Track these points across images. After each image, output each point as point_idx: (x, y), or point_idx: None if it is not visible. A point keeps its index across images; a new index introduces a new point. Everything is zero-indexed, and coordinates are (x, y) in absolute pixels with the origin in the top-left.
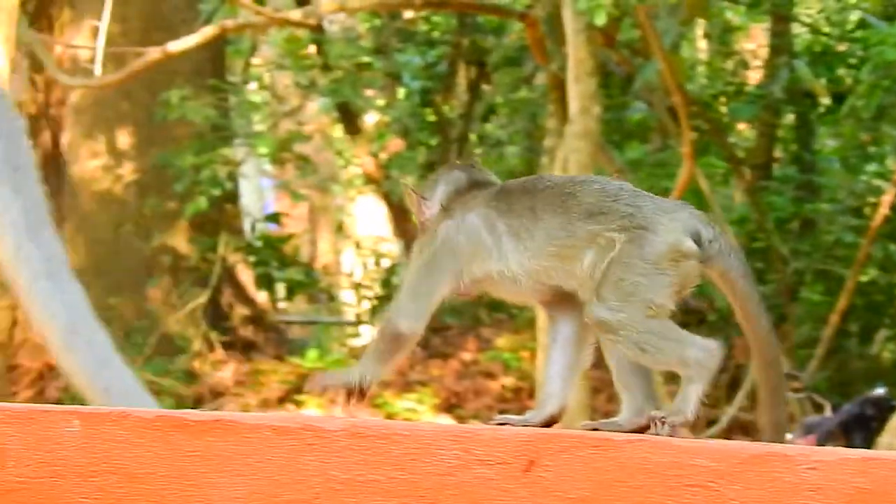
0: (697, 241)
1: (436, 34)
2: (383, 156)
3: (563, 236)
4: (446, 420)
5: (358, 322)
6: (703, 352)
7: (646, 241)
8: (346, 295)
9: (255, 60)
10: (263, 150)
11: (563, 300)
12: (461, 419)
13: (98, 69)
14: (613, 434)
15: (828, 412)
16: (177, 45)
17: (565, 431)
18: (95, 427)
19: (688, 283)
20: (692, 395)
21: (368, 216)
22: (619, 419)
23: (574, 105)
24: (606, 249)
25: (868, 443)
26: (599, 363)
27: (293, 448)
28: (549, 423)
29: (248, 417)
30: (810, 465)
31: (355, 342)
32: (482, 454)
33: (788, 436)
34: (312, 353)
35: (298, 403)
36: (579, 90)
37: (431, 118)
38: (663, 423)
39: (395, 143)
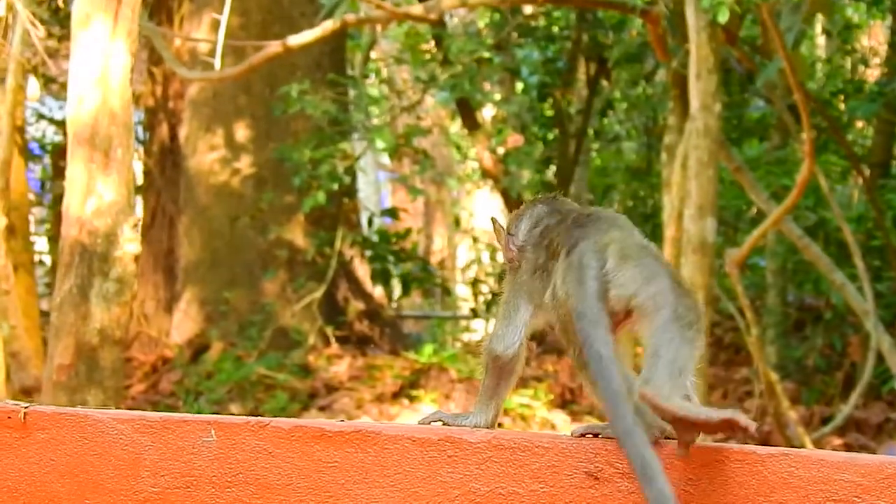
0: None
1: (555, 29)
2: (501, 150)
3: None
4: (560, 416)
5: (473, 316)
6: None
7: None
8: (461, 290)
9: (373, 55)
10: (381, 144)
11: None
12: (575, 415)
13: (217, 62)
14: (757, 448)
15: None
16: (297, 39)
17: (709, 444)
18: (232, 437)
19: None
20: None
21: (484, 211)
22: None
23: (695, 102)
24: None
25: None
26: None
27: (433, 460)
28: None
29: (388, 428)
30: None
31: (470, 337)
32: (623, 467)
33: None
34: (428, 349)
35: (413, 398)
36: (701, 87)
37: (549, 113)
38: None
39: (514, 138)
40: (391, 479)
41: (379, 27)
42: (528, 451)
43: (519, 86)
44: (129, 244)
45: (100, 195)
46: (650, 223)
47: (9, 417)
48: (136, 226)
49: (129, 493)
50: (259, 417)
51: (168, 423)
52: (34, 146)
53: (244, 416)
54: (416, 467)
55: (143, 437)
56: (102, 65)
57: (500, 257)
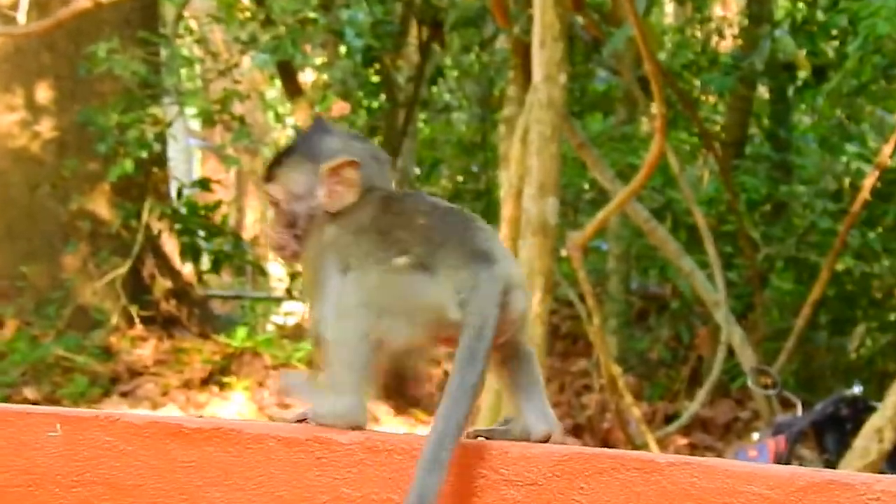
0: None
1: None
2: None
3: None
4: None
5: (288, 298)
6: None
7: None
8: (275, 269)
9: (187, 13)
10: (194, 109)
11: None
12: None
13: (22, 16)
14: (656, 456)
15: (798, 411)
16: None
17: (604, 451)
18: (79, 432)
19: None
20: None
21: None
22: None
23: (538, 72)
24: None
25: (842, 445)
26: None
27: (300, 461)
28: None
29: (250, 426)
30: (874, 495)
31: (285, 320)
32: (510, 474)
33: (756, 435)
34: (241, 332)
35: (223, 386)
36: (545, 56)
37: (375, 80)
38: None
39: (339, 106)
40: (253, 481)
41: None
42: (406, 454)
43: (343, 49)
44: None
45: None
46: (483, 200)
47: None
48: None
49: None
50: (109, 411)
51: (8, 415)
52: None
53: (93, 410)
54: (281, 469)
55: None
56: None
57: None
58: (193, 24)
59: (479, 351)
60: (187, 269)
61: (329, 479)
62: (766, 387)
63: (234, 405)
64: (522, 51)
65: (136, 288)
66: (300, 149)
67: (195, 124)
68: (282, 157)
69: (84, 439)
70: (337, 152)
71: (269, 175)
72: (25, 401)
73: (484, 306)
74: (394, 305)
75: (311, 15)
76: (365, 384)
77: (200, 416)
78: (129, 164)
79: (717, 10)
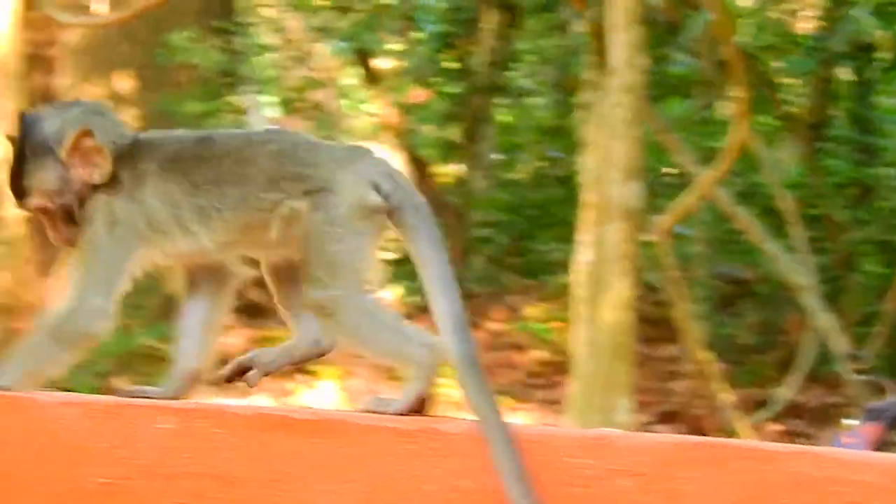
0: (379, 192)
1: None
2: (402, 105)
3: (248, 209)
4: None
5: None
6: (424, 348)
7: (329, 204)
8: None
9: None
10: (273, 97)
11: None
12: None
13: (99, 7)
14: (766, 444)
15: (891, 396)
16: None
17: (714, 440)
18: (187, 424)
19: (380, 234)
20: (408, 392)
21: None
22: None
23: (616, 56)
24: (293, 219)
25: None
26: None
27: (409, 452)
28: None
29: (359, 417)
30: None
31: None
32: (620, 464)
33: (847, 421)
34: None
35: (311, 374)
36: (623, 40)
37: (451, 65)
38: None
39: (416, 93)
40: (361, 471)
41: None
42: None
43: (419, 35)
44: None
45: None
46: (566, 186)
47: None
48: None
49: (75, 483)
50: (217, 402)
51: (118, 407)
52: None
53: (200, 402)
54: (389, 459)
55: (91, 423)
56: None
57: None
58: (270, 12)
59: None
60: None
61: (439, 469)
62: (858, 372)
63: (322, 393)
64: (600, 35)
65: None
66: (28, 151)
67: (273, 112)
68: (16, 172)
69: (194, 430)
70: (62, 131)
71: (19, 193)
72: (115, 391)
73: None
74: None
75: (387, 1)
76: None
77: (308, 408)
78: None
79: None
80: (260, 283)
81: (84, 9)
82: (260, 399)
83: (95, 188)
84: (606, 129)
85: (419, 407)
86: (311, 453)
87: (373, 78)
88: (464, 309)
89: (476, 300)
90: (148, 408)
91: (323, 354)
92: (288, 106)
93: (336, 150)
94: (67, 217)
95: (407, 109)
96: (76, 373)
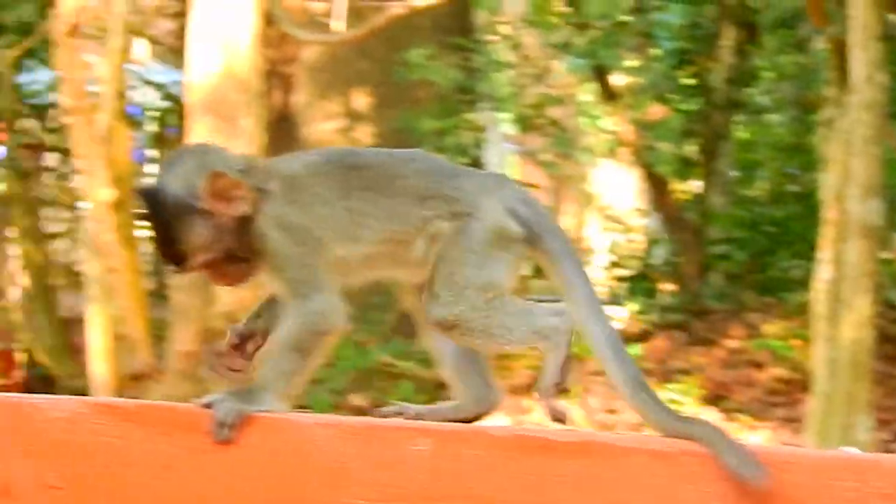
0: (517, 220)
1: None
2: (639, 122)
3: (398, 222)
4: (712, 414)
5: (612, 302)
6: (555, 316)
7: (471, 229)
8: (594, 272)
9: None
10: (510, 114)
11: None
12: (728, 412)
13: (338, 24)
14: None
15: None
16: (423, 0)
17: None
18: (447, 446)
19: (518, 263)
20: (553, 365)
21: (614, 186)
22: (451, 406)
23: (857, 73)
24: (435, 239)
25: None
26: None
27: (672, 475)
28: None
29: (621, 439)
30: None
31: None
32: (885, 486)
33: None
34: None
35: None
36: (863, 57)
37: (688, 82)
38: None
39: (654, 110)
40: (622, 494)
41: None
42: (780, 467)
43: (656, 52)
44: None
45: None
46: (805, 203)
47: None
48: None
49: None
50: (477, 424)
51: (376, 429)
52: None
53: (460, 423)
54: (652, 482)
55: (348, 445)
56: (227, 26)
57: (636, 237)
58: (507, 28)
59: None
60: None
61: (700, 493)
62: None
63: None
64: (840, 51)
65: None
66: (166, 219)
67: (509, 129)
68: (164, 243)
69: (451, 453)
70: (192, 184)
71: (179, 260)
72: (354, 408)
73: None
74: None
75: (624, 18)
76: None
77: (569, 429)
78: None
79: None
80: None
81: (321, 26)
82: (497, 418)
83: (245, 217)
84: (846, 146)
85: (562, 377)
86: (571, 476)
87: (610, 95)
88: (616, 331)
89: (713, 317)
90: (404, 429)
91: (487, 414)
92: (524, 123)
93: (477, 176)
94: (231, 257)
95: (644, 126)
96: (313, 390)
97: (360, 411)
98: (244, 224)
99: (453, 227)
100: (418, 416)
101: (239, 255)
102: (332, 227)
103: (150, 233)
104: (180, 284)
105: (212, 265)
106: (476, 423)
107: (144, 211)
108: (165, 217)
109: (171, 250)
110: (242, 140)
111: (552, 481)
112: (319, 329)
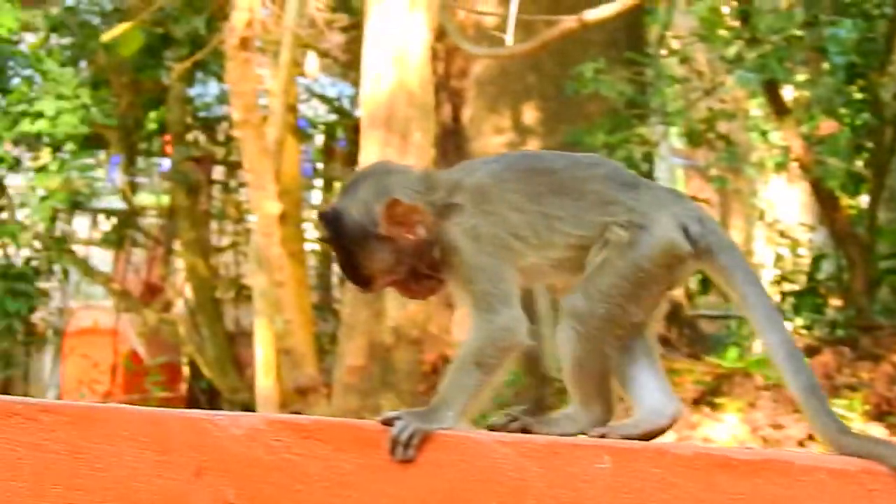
0: (687, 236)
1: (871, 6)
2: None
3: (583, 226)
4: (877, 430)
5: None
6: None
7: (641, 241)
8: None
9: (671, 32)
10: (679, 128)
11: None
12: (893, 428)
13: (509, 38)
14: None
15: None
16: (594, 14)
17: None
18: (628, 464)
19: (679, 282)
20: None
21: (780, 201)
22: (632, 422)
23: None
24: (606, 245)
25: None
26: None
27: (852, 494)
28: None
29: (801, 458)
30: None
31: None
32: None
33: None
34: (732, 352)
35: (715, 406)
36: None
37: (859, 96)
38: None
39: (825, 125)
40: None
41: (683, 2)
42: None
43: (826, 66)
44: None
45: None
46: None
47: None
48: None
49: None
50: (657, 443)
51: (557, 447)
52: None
53: (641, 442)
54: (832, 501)
55: (529, 462)
56: (399, 41)
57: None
58: (676, 43)
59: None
60: (676, 290)
61: None
62: None
63: (726, 427)
64: None
65: None
66: (348, 244)
67: (679, 143)
68: (349, 267)
69: (632, 471)
70: (370, 211)
71: (364, 282)
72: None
73: None
74: None
75: (797, 32)
76: None
77: (749, 448)
78: None
79: None
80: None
81: (490, 39)
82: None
83: (439, 222)
84: None
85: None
86: (750, 493)
87: (780, 109)
88: (792, 340)
89: (881, 332)
90: (586, 447)
91: (664, 432)
92: (694, 137)
93: (655, 189)
94: (417, 274)
95: (814, 141)
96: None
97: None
98: (427, 243)
99: (626, 237)
100: (525, 428)
101: (424, 272)
102: (527, 233)
103: (334, 255)
104: (348, 299)
105: (398, 283)
106: (654, 441)
107: (325, 235)
108: (346, 242)
109: (355, 273)
110: (413, 154)
111: (731, 499)
112: (504, 345)
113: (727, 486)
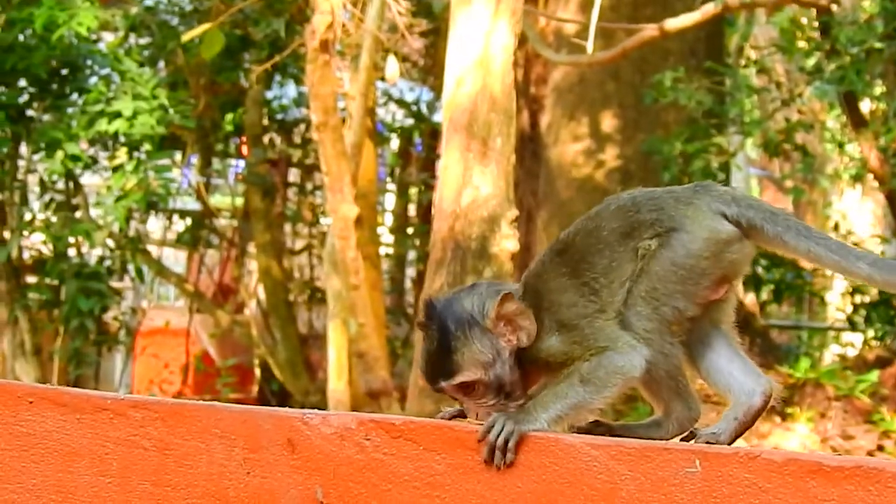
0: (728, 219)
1: None
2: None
3: (617, 268)
4: None
5: (851, 328)
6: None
7: (678, 242)
8: (833, 298)
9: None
10: (757, 139)
11: None
12: None
13: (590, 45)
14: None
15: None
16: (675, 23)
17: None
18: (718, 469)
19: (738, 267)
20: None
21: (854, 212)
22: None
23: None
24: (644, 257)
25: None
26: None
27: None
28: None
29: (893, 464)
30: None
31: (845, 351)
32: None
33: None
34: (804, 362)
35: (786, 417)
36: None
37: None
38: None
39: None
40: None
41: (763, 13)
42: None
43: None
44: (507, 241)
45: (476, 187)
46: None
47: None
48: (514, 222)
49: None
50: (749, 447)
51: (648, 450)
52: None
53: (733, 447)
54: None
55: (620, 466)
56: (483, 46)
57: None
58: (754, 54)
59: None
60: (749, 299)
61: None
62: None
63: (796, 436)
64: None
65: None
66: (451, 330)
67: (755, 154)
68: (441, 352)
69: (722, 476)
70: (484, 302)
71: (447, 373)
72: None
73: None
74: None
75: (876, 45)
76: None
77: (840, 455)
78: None
79: None
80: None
81: (570, 46)
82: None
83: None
84: None
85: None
86: (840, 500)
87: (857, 121)
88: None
89: None
90: (677, 451)
91: (764, 408)
92: (771, 148)
93: (675, 191)
94: (498, 388)
95: (891, 154)
96: None
97: None
98: (518, 357)
99: (660, 243)
100: (612, 432)
101: (505, 389)
102: (586, 303)
103: (425, 342)
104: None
105: (468, 391)
106: (746, 447)
107: (426, 318)
108: (448, 328)
109: (440, 362)
110: (493, 159)
111: None
112: (614, 369)
113: (818, 491)
